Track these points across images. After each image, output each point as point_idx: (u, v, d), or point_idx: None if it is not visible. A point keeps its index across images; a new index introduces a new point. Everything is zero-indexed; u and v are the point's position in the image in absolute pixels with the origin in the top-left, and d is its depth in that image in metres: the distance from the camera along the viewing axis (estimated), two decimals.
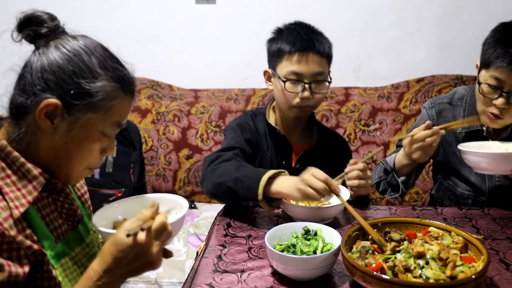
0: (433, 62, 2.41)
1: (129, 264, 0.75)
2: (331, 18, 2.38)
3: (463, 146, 1.32)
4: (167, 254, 0.97)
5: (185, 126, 2.36)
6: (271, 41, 1.45)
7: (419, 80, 2.34)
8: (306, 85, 1.36)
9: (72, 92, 0.80)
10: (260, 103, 2.34)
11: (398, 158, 1.43)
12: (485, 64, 1.31)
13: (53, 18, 0.85)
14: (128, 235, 0.72)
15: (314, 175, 1.12)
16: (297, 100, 1.38)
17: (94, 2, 2.40)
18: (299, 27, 1.41)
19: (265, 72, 1.49)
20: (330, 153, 1.51)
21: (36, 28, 0.82)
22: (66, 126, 0.81)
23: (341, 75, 2.42)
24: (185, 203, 0.99)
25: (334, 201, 1.21)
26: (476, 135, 1.44)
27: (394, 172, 1.45)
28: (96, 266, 0.75)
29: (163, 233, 0.78)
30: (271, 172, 1.17)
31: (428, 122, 1.32)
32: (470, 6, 2.35)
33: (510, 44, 1.25)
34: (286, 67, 1.37)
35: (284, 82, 1.37)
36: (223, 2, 2.40)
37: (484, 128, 1.42)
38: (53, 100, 0.79)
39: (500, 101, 1.27)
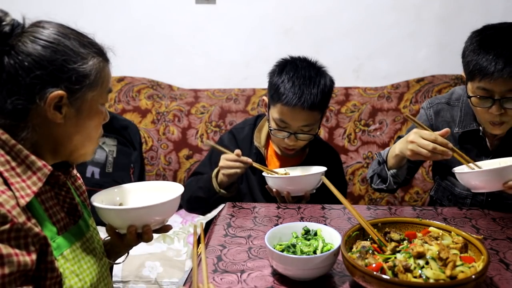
0: (433, 62, 2.40)
1: None
2: (331, 18, 2.38)
3: (458, 169, 1.30)
4: (166, 228, 1.04)
5: (185, 126, 2.36)
6: (272, 74, 1.49)
7: (419, 80, 2.34)
8: (292, 135, 1.44)
9: (73, 78, 0.82)
10: (260, 103, 2.35)
11: (392, 149, 1.41)
12: (470, 76, 1.30)
13: (4, 12, 0.82)
14: None
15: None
16: (282, 143, 1.48)
17: (94, 2, 2.40)
18: (297, 76, 1.42)
19: (263, 100, 1.56)
20: (320, 165, 1.50)
21: None
22: (74, 111, 0.85)
23: (341, 75, 2.41)
24: (179, 188, 1.04)
25: (294, 172, 1.45)
26: (472, 134, 1.44)
27: (385, 163, 1.44)
28: None
29: None
30: (215, 171, 1.47)
31: (447, 129, 1.28)
32: (470, 6, 2.34)
33: (489, 52, 1.23)
34: (277, 113, 1.44)
35: (271, 130, 1.48)
36: (223, 2, 2.40)
37: (480, 128, 1.42)
38: (58, 92, 0.81)
39: (494, 109, 1.26)
